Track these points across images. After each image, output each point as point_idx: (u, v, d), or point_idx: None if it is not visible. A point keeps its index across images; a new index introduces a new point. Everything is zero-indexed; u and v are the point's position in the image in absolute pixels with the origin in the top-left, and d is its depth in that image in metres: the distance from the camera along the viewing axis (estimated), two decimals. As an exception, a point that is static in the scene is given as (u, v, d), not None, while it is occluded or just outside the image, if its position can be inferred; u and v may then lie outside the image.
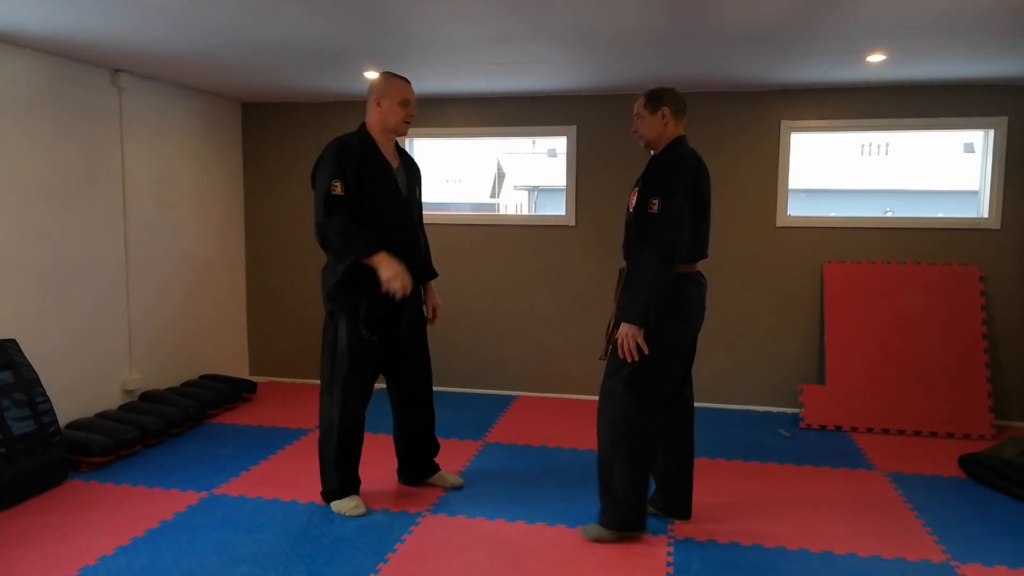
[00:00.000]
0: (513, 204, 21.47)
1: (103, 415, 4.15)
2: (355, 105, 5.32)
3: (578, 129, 5.02)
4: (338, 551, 2.89)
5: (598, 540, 2.97)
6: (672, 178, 2.81)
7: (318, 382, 4.73)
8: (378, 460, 3.91)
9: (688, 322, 2.92)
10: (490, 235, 5.27)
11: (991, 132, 4.59)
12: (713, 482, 3.61)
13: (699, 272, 2.97)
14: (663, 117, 2.92)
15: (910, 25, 3.24)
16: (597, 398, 3.08)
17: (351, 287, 3.12)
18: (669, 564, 2.81)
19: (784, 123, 4.77)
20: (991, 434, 4.36)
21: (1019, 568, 2.80)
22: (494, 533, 3.07)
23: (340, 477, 3.27)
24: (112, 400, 4.37)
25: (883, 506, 3.39)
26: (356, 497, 3.28)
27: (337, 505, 3.25)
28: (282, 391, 5.33)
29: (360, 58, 4.03)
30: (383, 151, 3.25)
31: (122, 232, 4.41)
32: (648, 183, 2.85)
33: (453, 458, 3.94)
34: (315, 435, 4.31)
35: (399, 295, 3.02)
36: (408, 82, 3.24)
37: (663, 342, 2.82)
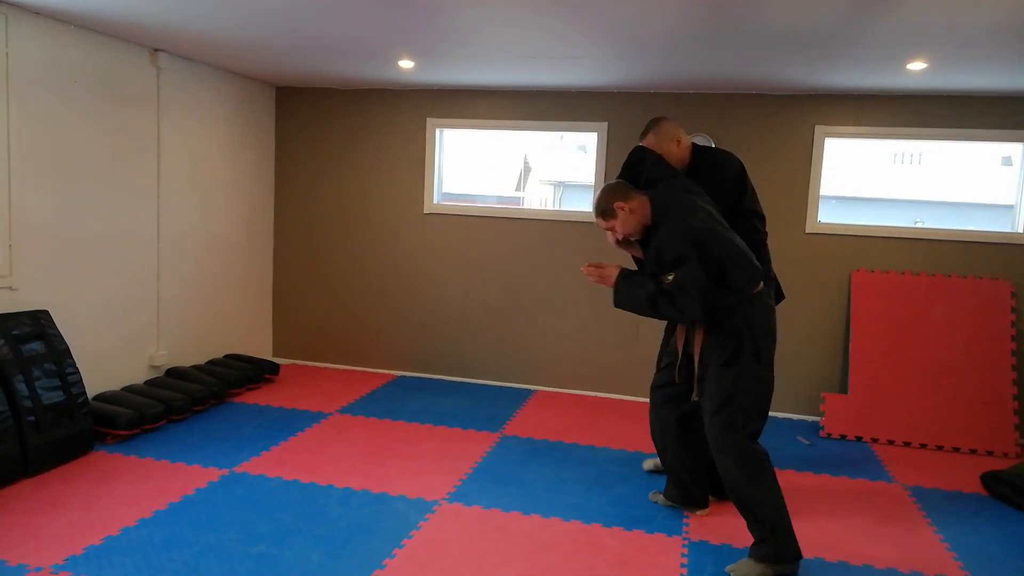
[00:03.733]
0: (538, 199, 21.45)
1: (130, 389, 4.23)
2: (388, 93, 5.35)
3: (609, 126, 5.01)
4: (354, 535, 2.93)
5: None
6: (671, 253, 2.72)
7: (339, 366, 4.84)
8: (400, 448, 3.95)
9: (775, 339, 2.91)
10: (516, 228, 5.27)
11: (1030, 145, 4.51)
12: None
13: (768, 291, 2.97)
14: (630, 211, 2.83)
15: (956, 33, 3.19)
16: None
17: None
18: (683, 565, 2.81)
19: (819, 128, 4.71)
20: (1015, 452, 4.30)
21: (1038, 589, 2.77)
22: (508, 525, 3.09)
23: None
24: (139, 374, 4.44)
25: (901, 519, 3.36)
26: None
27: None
28: (304, 374, 5.39)
29: (396, 48, 4.05)
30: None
31: (155, 209, 4.48)
32: (654, 262, 2.80)
33: (469, 449, 3.96)
34: (335, 418, 4.39)
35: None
36: (641, 137, 3.29)
37: (761, 363, 2.80)
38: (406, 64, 4.43)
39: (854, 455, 4.20)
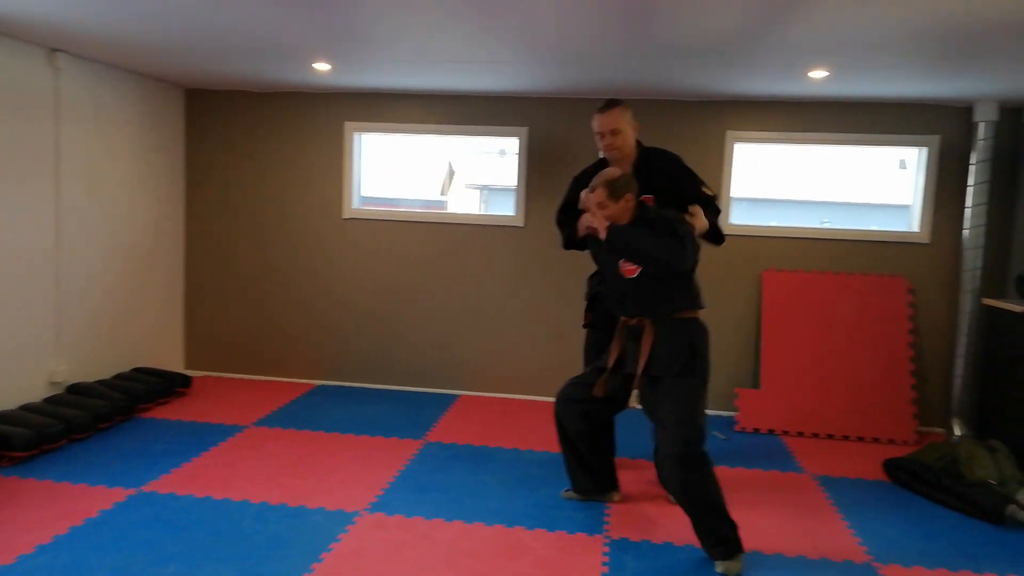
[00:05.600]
0: (463, 203, 21.43)
1: (27, 407, 3.99)
2: (305, 96, 5.24)
3: (529, 130, 5.04)
4: (271, 551, 2.84)
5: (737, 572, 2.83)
6: (673, 221, 2.97)
7: (256, 377, 4.65)
8: (320, 459, 3.86)
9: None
10: (439, 233, 5.24)
11: (924, 150, 4.78)
12: (648, 483, 3.67)
13: None
14: (627, 205, 2.98)
15: (849, 44, 3.36)
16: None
17: (594, 279, 3.52)
18: (605, 564, 2.85)
19: (729, 133, 4.87)
20: (914, 440, 4.55)
21: (936, 569, 2.92)
22: (431, 533, 3.06)
23: None
24: (37, 392, 4.20)
25: (811, 508, 3.50)
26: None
27: None
28: (218, 386, 5.21)
29: (311, 50, 3.96)
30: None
31: (52, 217, 4.24)
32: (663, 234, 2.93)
33: (392, 457, 3.91)
34: (251, 431, 4.26)
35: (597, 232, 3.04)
36: (603, 114, 3.31)
37: (705, 383, 3.00)
38: (322, 67, 4.34)
39: (767, 448, 4.35)
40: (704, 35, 3.31)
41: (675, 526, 3.21)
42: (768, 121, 4.85)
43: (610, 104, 3.31)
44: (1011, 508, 3.35)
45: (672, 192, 3.29)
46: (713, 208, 3.35)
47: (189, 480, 3.49)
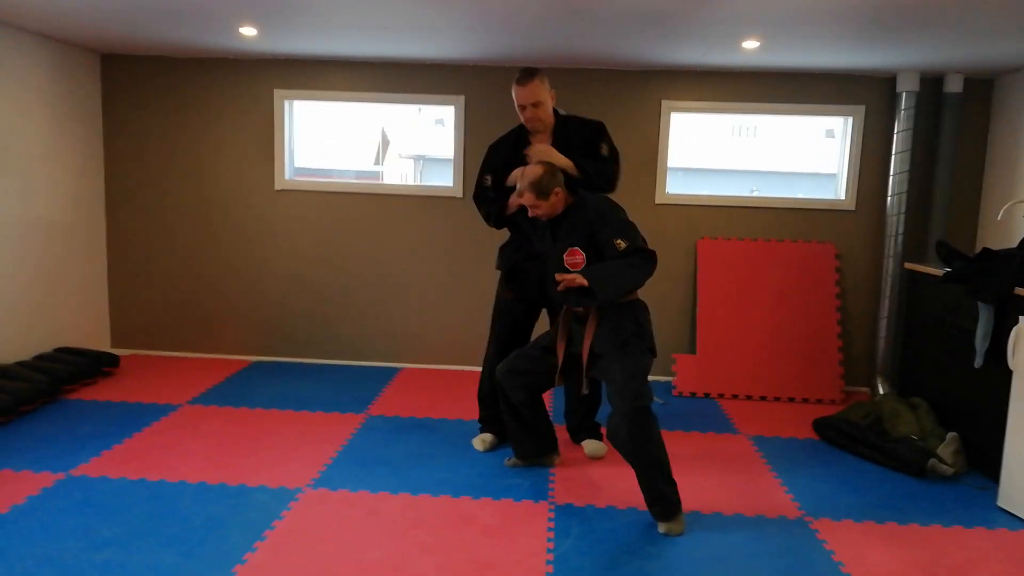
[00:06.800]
0: (398, 173, 21.04)
1: (-60, 393, 3.78)
2: (231, 62, 5.03)
3: (466, 99, 4.97)
4: (211, 531, 2.77)
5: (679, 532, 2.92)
6: (615, 219, 3.04)
7: (188, 355, 4.53)
8: (259, 437, 3.78)
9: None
10: (375, 204, 5.14)
11: (850, 119, 4.92)
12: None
13: None
14: (557, 198, 3.05)
15: (781, 15, 3.41)
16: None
17: (509, 251, 3.57)
18: (550, 529, 2.89)
19: (665, 103, 4.91)
20: (840, 399, 4.75)
21: (864, 521, 3.07)
22: (377, 506, 3.04)
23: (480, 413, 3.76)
24: (-50, 376, 3.97)
25: (746, 468, 3.63)
26: (487, 435, 3.70)
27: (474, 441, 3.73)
28: (148, 364, 5.03)
29: (236, 15, 3.79)
30: (532, 140, 3.44)
31: (-40, 191, 3.98)
32: (601, 232, 3.01)
33: (333, 433, 3.86)
34: (185, 410, 4.14)
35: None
36: (523, 86, 3.30)
37: (653, 355, 3.09)
38: (248, 31, 4.16)
39: (704, 411, 4.47)
40: (645, 4, 3.30)
41: (617, 490, 3.27)
42: (702, 91, 4.91)
43: (529, 74, 3.29)
44: (932, 462, 3.54)
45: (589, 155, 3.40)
46: (604, 168, 3.40)
47: (121, 462, 3.37)
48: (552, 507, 3.09)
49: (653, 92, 4.91)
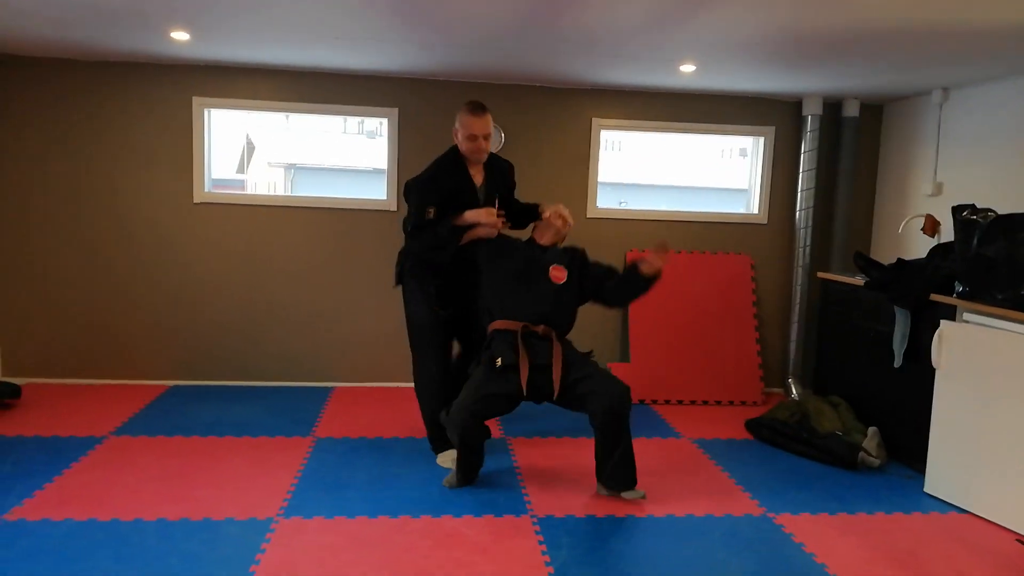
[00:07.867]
0: (266, 182, 20.03)
1: None
2: (145, 67, 4.70)
3: (400, 111, 4.91)
4: (193, 569, 2.58)
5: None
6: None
7: (94, 381, 4.32)
8: (205, 466, 3.55)
9: None
10: (301, 218, 4.96)
11: (761, 139, 5.29)
12: (559, 459, 3.79)
13: None
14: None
15: (718, 44, 3.67)
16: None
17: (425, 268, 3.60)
18: (541, 542, 2.91)
19: (595, 120, 5.08)
20: (761, 400, 5.08)
21: (819, 513, 3.31)
22: (360, 532, 2.94)
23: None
24: None
25: (700, 470, 3.80)
26: (452, 451, 3.53)
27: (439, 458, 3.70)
28: (53, 393, 4.58)
29: (163, 18, 3.57)
30: (470, 171, 3.57)
31: None
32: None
33: (285, 458, 3.69)
34: (112, 442, 3.81)
35: (493, 234, 3.49)
36: (480, 117, 3.43)
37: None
38: (180, 36, 3.91)
39: (643, 418, 4.63)
40: (604, 29, 3.43)
41: (587, 497, 3.36)
42: (631, 109, 5.12)
43: (483, 107, 3.49)
44: (861, 455, 3.87)
45: (505, 194, 3.74)
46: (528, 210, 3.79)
47: (59, 503, 3.06)
48: (535, 519, 3.11)
49: (584, 110, 5.07)
